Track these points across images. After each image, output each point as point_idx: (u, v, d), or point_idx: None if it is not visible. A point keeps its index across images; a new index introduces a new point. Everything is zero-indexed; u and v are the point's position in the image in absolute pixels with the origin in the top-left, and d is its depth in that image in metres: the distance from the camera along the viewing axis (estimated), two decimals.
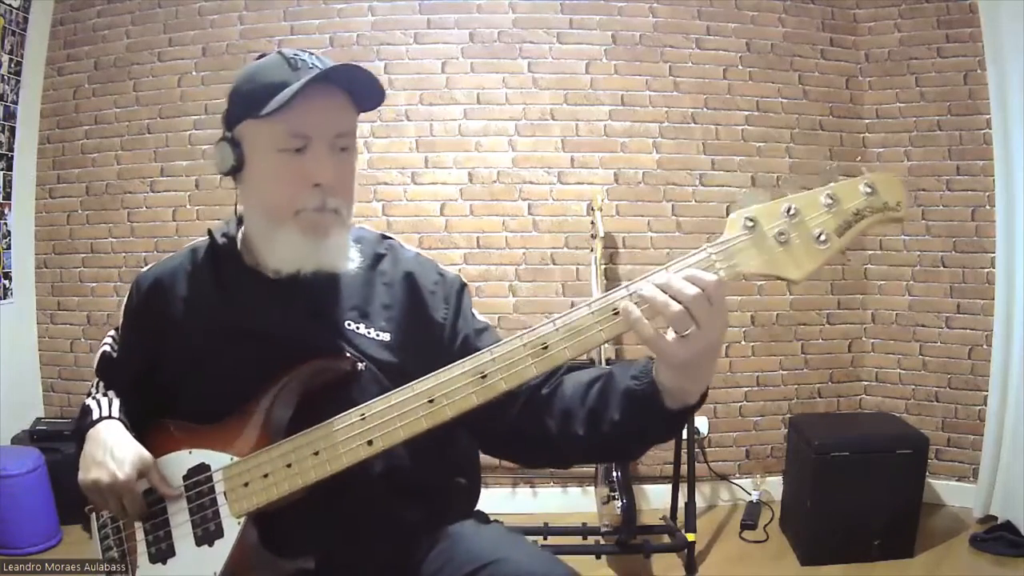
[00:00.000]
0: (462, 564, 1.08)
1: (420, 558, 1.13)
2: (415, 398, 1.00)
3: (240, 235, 1.19)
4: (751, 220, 0.91)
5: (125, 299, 1.26)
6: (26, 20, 3.20)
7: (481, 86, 3.22)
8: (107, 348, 1.27)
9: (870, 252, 3.30)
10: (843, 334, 3.31)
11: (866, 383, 3.34)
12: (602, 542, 2.60)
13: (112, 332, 1.29)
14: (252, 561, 1.05)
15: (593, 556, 2.54)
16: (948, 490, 3.15)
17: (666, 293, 0.88)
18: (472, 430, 1.15)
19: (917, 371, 3.23)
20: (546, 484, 3.22)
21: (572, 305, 0.89)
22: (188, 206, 3.26)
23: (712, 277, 0.89)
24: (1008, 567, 2.63)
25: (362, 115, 1.14)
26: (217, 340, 1.13)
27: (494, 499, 3.00)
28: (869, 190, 0.91)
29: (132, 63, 3.28)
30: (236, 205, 1.20)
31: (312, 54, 1.10)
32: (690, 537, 2.59)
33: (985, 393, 3.01)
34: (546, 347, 0.95)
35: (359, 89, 1.09)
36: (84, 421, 1.17)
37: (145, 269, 1.26)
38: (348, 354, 1.11)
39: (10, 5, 3.10)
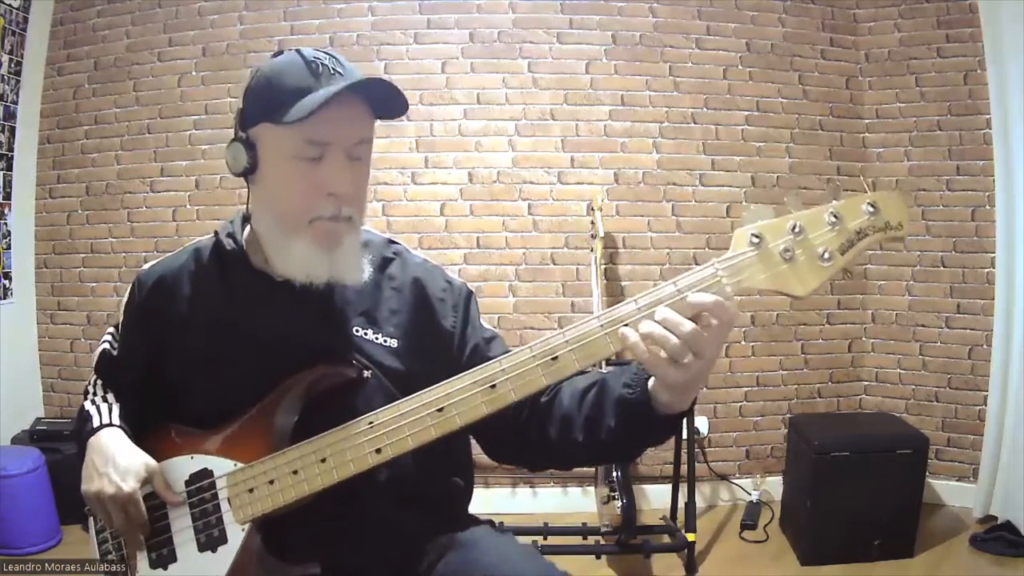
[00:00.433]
0: None
1: (429, 566, 1.12)
2: (424, 407, 1.00)
3: (246, 235, 1.17)
4: (757, 236, 0.92)
5: (125, 296, 1.22)
6: (26, 20, 3.19)
7: (481, 86, 3.22)
8: (107, 346, 1.24)
9: (870, 252, 3.29)
10: (843, 334, 3.32)
11: (866, 383, 3.34)
12: (602, 542, 2.60)
13: (111, 329, 1.25)
14: (257, 567, 1.05)
15: (593, 556, 2.54)
16: (948, 490, 3.16)
17: (665, 328, 0.90)
18: (478, 438, 1.16)
19: (917, 371, 3.23)
20: (546, 484, 3.22)
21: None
22: (188, 206, 3.24)
23: (712, 298, 0.90)
24: (1008, 567, 2.63)
25: None
26: (221, 343, 1.12)
27: (494, 499, 2.97)
28: (872, 209, 0.91)
29: (132, 63, 3.28)
30: (247, 204, 1.17)
31: (331, 55, 1.07)
32: (690, 537, 2.60)
33: (985, 393, 3.02)
34: (556, 358, 0.96)
35: (381, 98, 1.06)
36: (84, 428, 1.14)
37: (147, 266, 1.22)
38: (355, 361, 1.10)
39: (10, 5, 3.09)
